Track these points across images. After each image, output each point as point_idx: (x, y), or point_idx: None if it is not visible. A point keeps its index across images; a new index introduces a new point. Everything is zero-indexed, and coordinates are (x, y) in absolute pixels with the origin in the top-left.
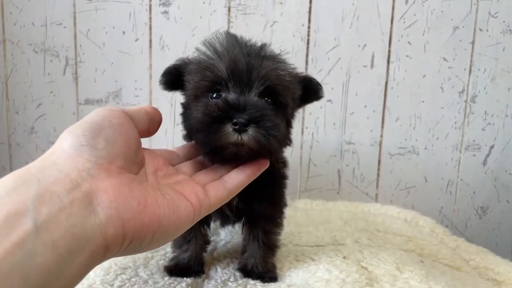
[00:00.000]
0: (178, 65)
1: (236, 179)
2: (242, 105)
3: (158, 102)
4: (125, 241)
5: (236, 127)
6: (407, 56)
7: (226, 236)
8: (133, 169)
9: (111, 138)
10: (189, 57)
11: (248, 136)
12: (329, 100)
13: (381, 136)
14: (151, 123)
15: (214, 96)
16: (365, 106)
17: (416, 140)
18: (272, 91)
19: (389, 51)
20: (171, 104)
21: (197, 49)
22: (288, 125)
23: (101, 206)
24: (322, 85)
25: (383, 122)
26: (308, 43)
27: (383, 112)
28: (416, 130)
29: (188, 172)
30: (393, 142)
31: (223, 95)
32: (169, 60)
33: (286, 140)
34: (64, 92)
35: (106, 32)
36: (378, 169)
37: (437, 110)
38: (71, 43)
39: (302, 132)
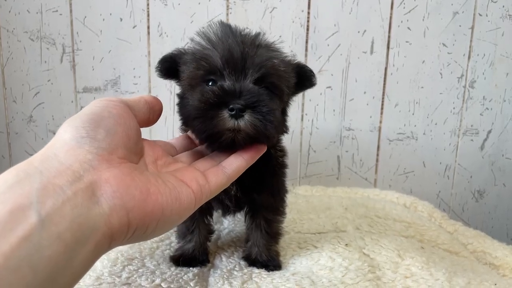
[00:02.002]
0: (174, 55)
1: (235, 164)
2: (238, 91)
3: (157, 90)
4: (130, 229)
5: (233, 112)
6: (406, 42)
7: (229, 224)
8: (134, 159)
9: (111, 128)
10: (185, 48)
11: (245, 121)
12: (329, 87)
13: (380, 122)
14: (151, 113)
15: (210, 85)
16: (365, 92)
17: (415, 125)
18: (267, 78)
19: (388, 37)
20: (170, 92)
21: (192, 40)
22: (284, 113)
23: (104, 196)
24: (321, 71)
25: (382, 108)
26: (307, 29)
27: (383, 98)
28: (415, 115)
29: (187, 162)
30: (392, 127)
31: (219, 83)
32: (167, 47)
33: (282, 127)
34: (62, 80)
35: (103, 19)
36: (377, 155)
37: (436, 96)
38: (67, 30)
39: (302, 119)
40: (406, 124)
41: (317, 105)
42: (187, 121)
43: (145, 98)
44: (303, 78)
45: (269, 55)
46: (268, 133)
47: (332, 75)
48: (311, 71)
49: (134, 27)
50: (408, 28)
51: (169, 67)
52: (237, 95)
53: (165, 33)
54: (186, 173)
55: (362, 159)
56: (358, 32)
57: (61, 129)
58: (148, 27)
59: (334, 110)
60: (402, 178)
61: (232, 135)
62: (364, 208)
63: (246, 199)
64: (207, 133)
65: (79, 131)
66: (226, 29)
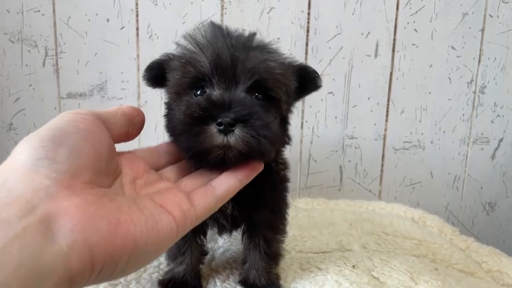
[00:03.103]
0: (161, 61)
1: (226, 184)
2: (227, 102)
3: (147, 96)
4: (94, 269)
5: (221, 127)
6: (413, 44)
7: (225, 243)
8: (104, 182)
9: (75, 147)
10: (173, 53)
11: (235, 137)
12: (330, 92)
13: (385, 129)
14: (130, 126)
15: (198, 93)
16: (369, 98)
17: (422, 133)
18: (261, 85)
19: (394, 39)
20: (161, 98)
21: (178, 44)
22: (284, 122)
23: (62, 231)
24: (322, 76)
25: (387, 115)
26: (308, 31)
27: (388, 104)
28: (422, 123)
29: (173, 178)
30: (398, 136)
31: (208, 91)
32: (158, 50)
33: (281, 139)
34: (44, 85)
35: (89, 20)
36: (382, 165)
37: (444, 102)
38: (50, 31)
39: (302, 126)
40: (413, 132)
41: (318, 111)
42: (173, 137)
43: (122, 109)
44: (306, 81)
45: (263, 57)
46: (263, 150)
47: (334, 79)
48: (314, 72)
49: (122, 28)
50: (415, 30)
51: (157, 74)
52: (226, 107)
53: (155, 34)
54: (168, 197)
55: (365, 170)
56: (362, 34)
57: (18, 148)
58: (137, 29)
59: (336, 117)
60: (409, 190)
61: (222, 153)
62: (370, 224)
63: (244, 217)
64: (193, 151)
65: (36, 151)
66: (216, 30)
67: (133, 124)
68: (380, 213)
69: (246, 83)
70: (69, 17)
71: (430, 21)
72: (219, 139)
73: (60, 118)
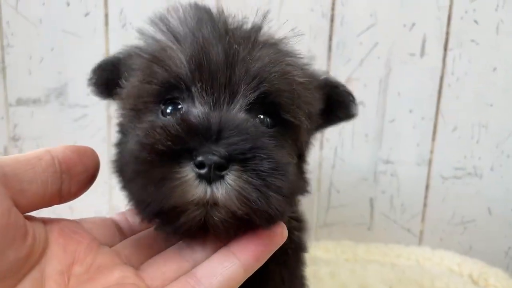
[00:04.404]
0: (118, 59)
1: (221, 275)
2: (215, 128)
3: None
4: None
5: (203, 170)
6: (472, 40)
7: None
8: (2, 282)
9: None
10: (138, 46)
11: (226, 188)
12: (360, 102)
13: (432, 152)
14: (66, 180)
15: (168, 110)
16: (411, 111)
17: (479, 158)
18: (272, 101)
19: (447, 33)
20: None
21: (141, 32)
22: (301, 160)
23: None
24: (350, 81)
25: (435, 133)
26: (332, 21)
27: (436, 119)
28: (480, 144)
29: (135, 258)
30: (448, 160)
31: (184, 108)
32: (133, 43)
33: (299, 190)
34: None
35: (43, 3)
36: (426, 198)
37: (510, 117)
38: None
39: (322, 147)
40: (467, 155)
41: (343, 127)
42: (122, 183)
43: (52, 153)
44: (334, 104)
45: (275, 57)
46: (273, 212)
47: (365, 86)
48: (348, 94)
49: (86, 15)
50: (475, 21)
51: (111, 78)
52: (214, 135)
53: (130, 23)
54: None
55: (404, 203)
56: (404, 26)
57: None
58: (106, 15)
59: (366, 135)
60: (459, 230)
61: (202, 214)
62: None
63: None
64: (151, 208)
65: None
66: (202, 13)
67: (71, 178)
68: (428, 268)
69: (248, 97)
70: (18, 0)
71: (496, 9)
72: (198, 190)
73: None
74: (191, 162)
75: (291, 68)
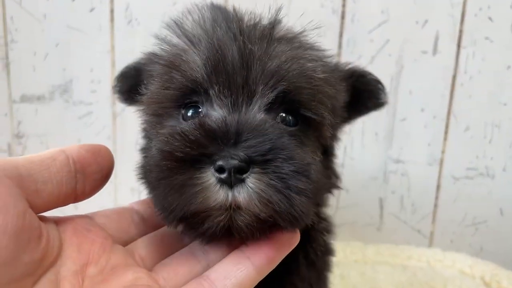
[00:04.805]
0: (140, 64)
1: (234, 277)
2: (234, 131)
3: None
4: None
5: (223, 175)
6: (486, 38)
7: None
8: (17, 285)
9: None
10: (155, 52)
11: (248, 192)
12: None
13: (443, 152)
14: (81, 179)
15: (189, 114)
16: (422, 110)
17: (492, 158)
18: (292, 99)
19: (460, 30)
20: None
21: (158, 37)
22: (328, 155)
23: None
24: None
25: (446, 132)
26: (343, 17)
27: (448, 118)
28: (492, 144)
29: (148, 258)
30: (460, 160)
31: (203, 111)
32: (139, 40)
33: (325, 187)
34: None
35: None
36: (436, 198)
37: None
38: None
39: None
40: (480, 156)
41: (353, 125)
42: (147, 189)
43: (66, 153)
44: (363, 95)
45: (293, 53)
46: (297, 213)
47: None
48: (377, 82)
49: (91, 11)
50: (489, 18)
51: (135, 85)
52: (233, 139)
53: (136, 19)
54: None
55: (414, 204)
56: (417, 22)
57: None
58: (112, 11)
59: (376, 134)
60: (470, 231)
61: (225, 219)
62: None
63: None
64: (174, 214)
65: None
66: (217, 14)
67: (86, 177)
68: (439, 270)
69: (267, 96)
70: None
71: (511, 6)
72: (220, 195)
73: None
74: (211, 167)
75: (311, 64)
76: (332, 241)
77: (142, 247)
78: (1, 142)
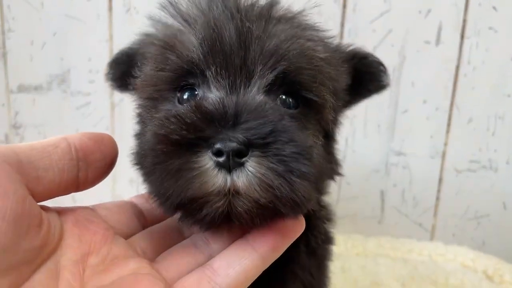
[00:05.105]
0: (133, 50)
1: (238, 266)
2: (232, 112)
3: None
4: None
5: (221, 159)
6: (490, 28)
7: None
8: (15, 272)
9: None
10: (148, 33)
11: (247, 175)
12: None
13: (446, 144)
14: (83, 167)
15: (185, 97)
16: (425, 102)
17: (495, 150)
18: (292, 80)
19: (464, 20)
20: None
21: (152, 18)
22: (329, 139)
23: None
24: None
25: (449, 124)
26: (344, 7)
27: (451, 110)
28: (496, 136)
29: (149, 250)
30: (462, 153)
31: (200, 94)
32: (138, 29)
33: (326, 172)
34: None
35: None
36: (438, 191)
37: None
38: None
39: None
40: (483, 148)
41: (355, 117)
42: (142, 175)
43: (68, 140)
44: (364, 77)
45: (293, 33)
46: (298, 198)
47: None
48: (378, 63)
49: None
50: (494, 8)
51: (128, 71)
52: (231, 121)
53: (135, 8)
54: None
55: (416, 197)
56: (419, 12)
57: None
58: (110, 0)
59: (378, 126)
60: (472, 225)
61: (224, 204)
62: (433, 287)
63: None
64: (171, 200)
65: None
66: None
67: (88, 165)
68: (441, 264)
69: (266, 77)
70: None
71: None
72: (218, 180)
73: None
74: (209, 151)
75: (311, 44)
76: (332, 230)
77: (143, 239)
78: None
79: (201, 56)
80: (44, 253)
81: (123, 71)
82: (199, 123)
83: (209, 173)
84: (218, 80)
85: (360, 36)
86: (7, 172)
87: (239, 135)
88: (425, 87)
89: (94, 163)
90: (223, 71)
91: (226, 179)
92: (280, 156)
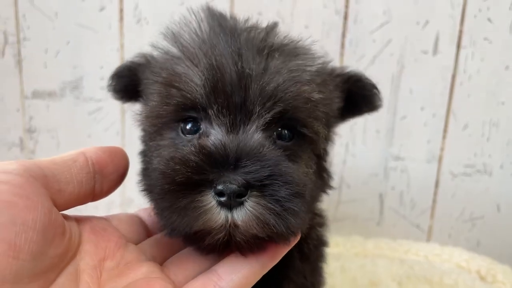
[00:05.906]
0: (134, 65)
1: (239, 272)
2: (233, 155)
3: None
4: None
5: (223, 199)
6: (485, 39)
7: None
8: (43, 276)
9: None
10: (152, 55)
11: (246, 214)
12: None
13: (442, 149)
14: (99, 180)
15: (188, 127)
16: (422, 108)
17: (490, 155)
18: (289, 117)
19: (460, 31)
20: None
21: (155, 47)
22: (320, 159)
23: None
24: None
25: (445, 130)
26: (345, 18)
27: (447, 116)
28: (490, 142)
29: (159, 256)
30: (458, 157)
31: (202, 127)
32: (147, 38)
33: (319, 193)
34: (4, 80)
35: None
36: (435, 194)
37: None
38: (10, 12)
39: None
40: (478, 153)
41: (355, 123)
42: (151, 202)
43: (86, 155)
44: (358, 98)
45: (290, 70)
46: (292, 232)
47: (377, 83)
48: (372, 86)
49: (101, 10)
50: (489, 19)
51: (129, 84)
52: (232, 163)
53: (145, 18)
54: None
55: (413, 199)
56: (417, 23)
57: None
58: (121, 10)
59: (378, 132)
60: (467, 226)
61: (224, 236)
62: (427, 286)
63: None
64: (177, 232)
65: None
66: (214, 23)
67: (103, 177)
68: (437, 264)
69: (264, 117)
70: None
71: (510, 8)
72: (220, 217)
73: None
74: (212, 191)
75: (308, 88)
76: (325, 233)
77: (150, 246)
78: (14, 136)
79: (204, 95)
80: (66, 258)
81: (124, 84)
82: (202, 166)
83: (212, 210)
84: (219, 118)
85: (360, 46)
86: (35, 186)
87: (239, 178)
88: (422, 94)
89: (108, 176)
90: (224, 109)
91: (227, 217)
92: (276, 197)
